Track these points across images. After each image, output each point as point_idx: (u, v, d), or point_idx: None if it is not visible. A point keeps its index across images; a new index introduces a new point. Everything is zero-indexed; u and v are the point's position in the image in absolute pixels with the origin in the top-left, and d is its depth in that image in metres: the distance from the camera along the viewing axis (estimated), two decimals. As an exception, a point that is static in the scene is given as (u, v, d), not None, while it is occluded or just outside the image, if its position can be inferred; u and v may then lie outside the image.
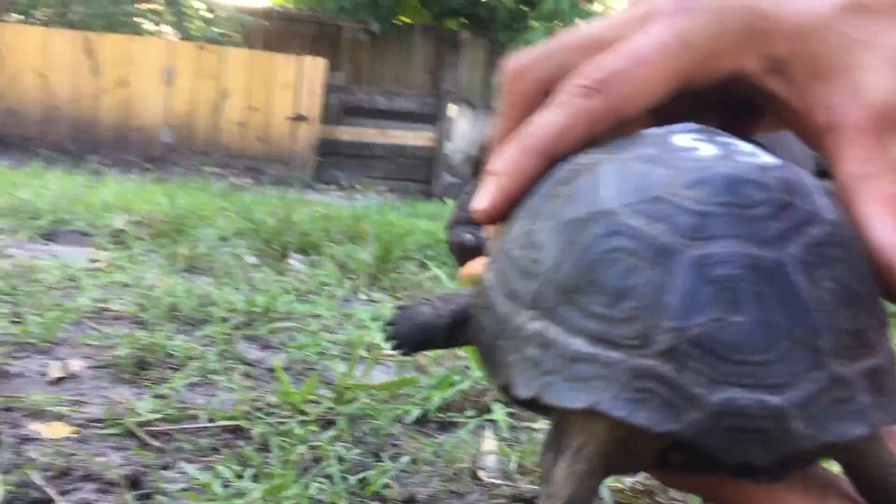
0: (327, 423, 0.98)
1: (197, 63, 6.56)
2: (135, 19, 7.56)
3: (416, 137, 7.67)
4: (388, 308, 1.73)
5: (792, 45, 0.44)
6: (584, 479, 0.39)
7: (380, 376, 1.24)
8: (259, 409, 0.98)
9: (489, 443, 1.00)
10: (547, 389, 0.38)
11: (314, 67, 6.85)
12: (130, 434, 0.90)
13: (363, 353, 1.32)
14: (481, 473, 0.93)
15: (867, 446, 0.39)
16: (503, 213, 0.45)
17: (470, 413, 1.10)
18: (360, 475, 0.84)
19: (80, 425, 0.92)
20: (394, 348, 0.53)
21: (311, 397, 1.04)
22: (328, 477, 0.83)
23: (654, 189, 0.39)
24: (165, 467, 0.84)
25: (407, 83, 10.28)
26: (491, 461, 0.96)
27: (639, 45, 0.44)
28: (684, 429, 0.35)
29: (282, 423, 0.94)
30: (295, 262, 2.25)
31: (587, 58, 0.45)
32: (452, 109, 7.79)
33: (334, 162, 7.29)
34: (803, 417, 0.35)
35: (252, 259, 2.18)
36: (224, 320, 1.41)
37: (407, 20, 11.25)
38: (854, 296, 0.37)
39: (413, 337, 0.55)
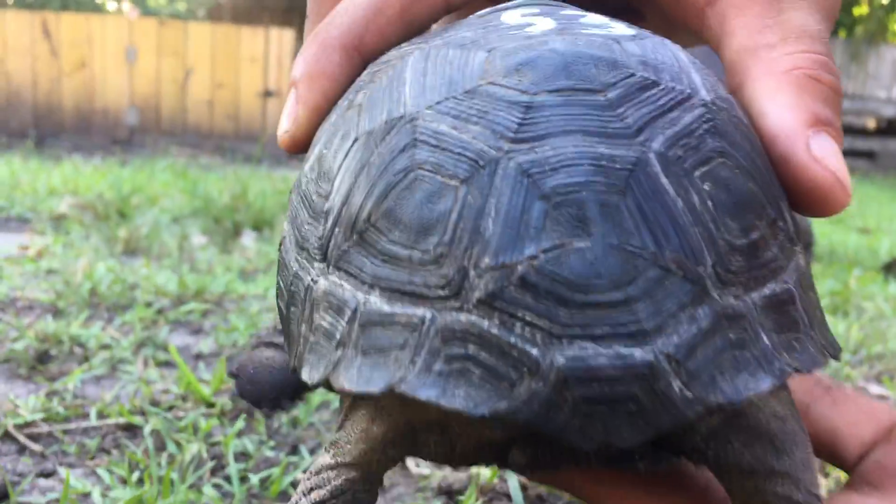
0: (239, 415, 0.88)
1: (159, 40, 6.37)
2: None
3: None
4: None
5: None
6: (377, 446, 0.30)
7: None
8: (158, 404, 0.88)
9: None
10: (336, 370, 0.28)
11: (281, 40, 6.68)
12: (7, 437, 0.80)
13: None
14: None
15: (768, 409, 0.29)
16: (310, 133, 0.35)
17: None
18: (264, 473, 0.75)
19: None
20: (244, 411, 0.43)
21: (224, 387, 0.95)
22: (226, 477, 0.74)
23: (467, 80, 0.28)
24: (42, 475, 0.74)
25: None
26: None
27: None
28: (516, 409, 0.24)
29: (181, 417, 0.84)
30: (247, 240, 2.14)
31: None
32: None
33: (308, 137, 7.14)
34: (684, 374, 0.25)
35: (200, 239, 2.07)
36: (148, 305, 1.30)
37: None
38: (745, 200, 0.27)
39: (264, 392, 0.45)
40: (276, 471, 0.74)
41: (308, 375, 0.30)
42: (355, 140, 0.30)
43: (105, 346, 1.09)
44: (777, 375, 0.26)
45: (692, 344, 0.25)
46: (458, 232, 0.26)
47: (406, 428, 0.30)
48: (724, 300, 0.26)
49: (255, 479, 0.73)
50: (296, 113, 0.35)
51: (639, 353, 0.24)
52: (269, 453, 0.80)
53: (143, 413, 0.85)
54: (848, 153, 8.18)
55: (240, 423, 0.84)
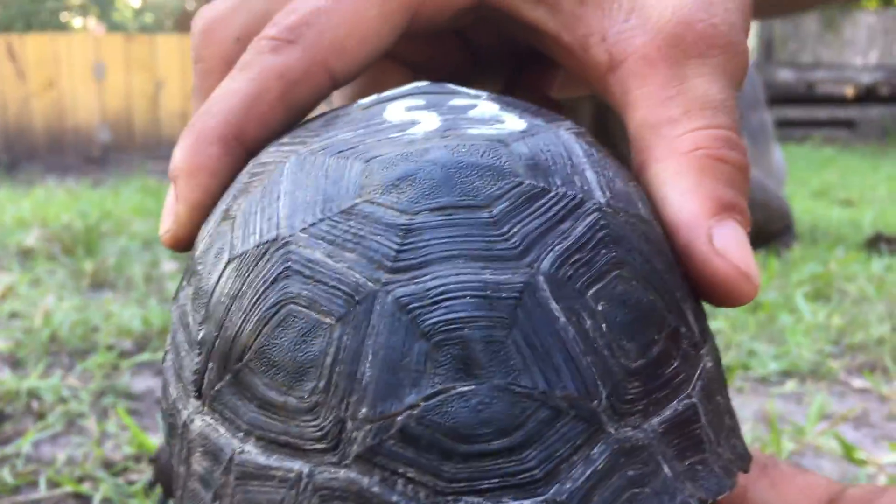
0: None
1: (127, 56, 6.31)
2: (58, 16, 7.28)
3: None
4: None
5: None
6: None
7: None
8: (112, 465, 0.84)
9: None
10: None
11: (251, 47, 6.64)
12: (-48, 517, 0.77)
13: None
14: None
15: None
16: (192, 232, 0.33)
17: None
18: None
19: None
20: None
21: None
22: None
23: (343, 197, 0.26)
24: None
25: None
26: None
27: None
28: None
29: (132, 482, 0.81)
30: (219, 261, 2.10)
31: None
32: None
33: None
34: None
35: (170, 265, 2.04)
36: (109, 348, 1.27)
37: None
38: (642, 315, 0.25)
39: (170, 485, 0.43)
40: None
41: None
42: (228, 262, 0.28)
43: (63, 400, 1.05)
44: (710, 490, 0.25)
45: (588, 488, 0.23)
46: (333, 377, 0.24)
47: None
48: (621, 433, 0.24)
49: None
50: (176, 211, 0.33)
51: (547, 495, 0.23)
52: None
53: (92, 479, 0.81)
54: (827, 123, 8.19)
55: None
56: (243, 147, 0.32)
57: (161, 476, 0.45)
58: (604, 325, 0.24)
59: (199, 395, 0.28)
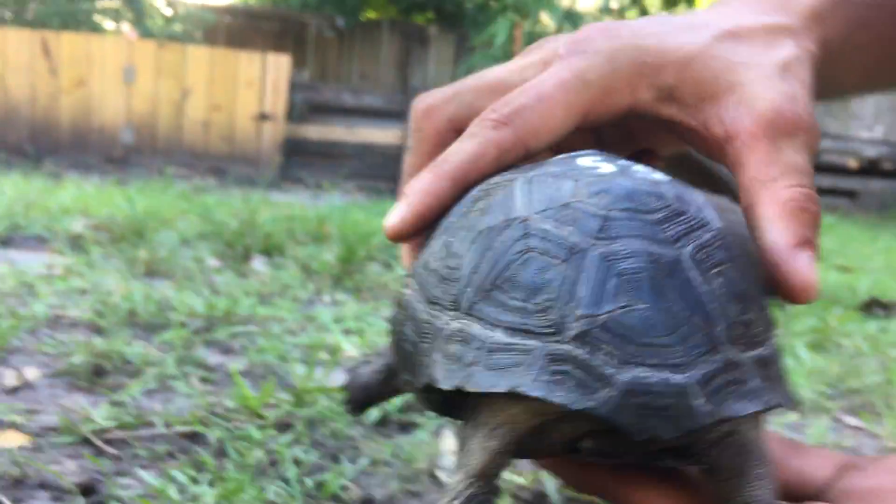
0: (285, 427, 0.98)
1: (157, 61, 6.48)
2: (93, 17, 7.44)
3: (384, 135, 7.65)
4: (350, 309, 1.73)
5: (679, 73, 0.48)
6: (496, 455, 0.41)
7: (341, 378, 1.24)
8: (216, 415, 0.97)
9: (448, 443, 1.01)
10: (469, 378, 0.40)
11: (278, 65, 6.80)
12: (86, 442, 0.89)
13: (324, 355, 1.32)
14: (439, 473, 0.94)
15: (750, 434, 0.41)
16: (412, 230, 0.47)
17: (430, 414, 1.10)
18: (317, 477, 0.85)
19: (35, 434, 0.92)
20: (348, 412, 0.55)
21: (270, 401, 1.04)
22: (285, 480, 0.83)
23: (562, 198, 0.41)
24: (121, 474, 0.83)
25: (375, 79, 10.25)
26: (449, 461, 0.97)
27: (541, 84, 0.47)
28: (598, 406, 0.37)
29: (239, 427, 0.94)
30: (258, 264, 2.23)
31: (492, 98, 0.49)
32: (418, 106, 7.78)
33: (301, 161, 7.24)
34: (704, 395, 0.37)
35: (214, 262, 2.17)
36: (183, 325, 1.40)
37: (373, 15, 11.21)
38: (742, 293, 0.40)
39: (358, 397, 0.58)
40: (328, 476, 0.84)
41: (444, 384, 0.41)
42: (479, 232, 0.43)
43: (151, 363, 1.18)
44: (763, 404, 0.38)
45: (710, 376, 0.38)
46: (560, 293, 0.39)
47: (513, 437, 0.42)
48: (730, 353, 0.39)
49: (310, 482, 0.83)
50: (403, 214, 0.47)
51: (677, 377, 0.38)
52: (317, 461, 0.90)
53: (204, 423, 0.94)
54: (830, 192, 8.37)
55: (289, 435, 0.94)
56: (463, 187, 0.47)
57: (353, 394, 0.60)
58: (721, 290, 0.39)
59: (457, 308, 0.43)
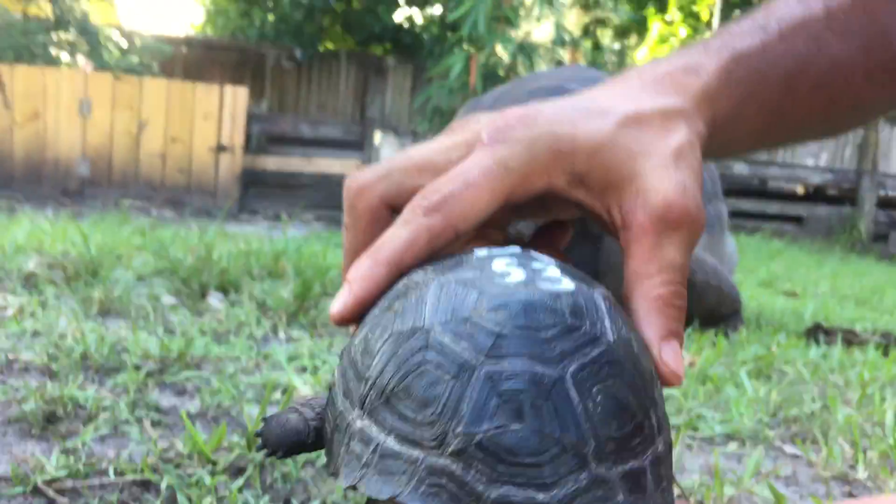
0: (237, 471, 1.00)
1: (113, 94, 6.45)
2: (48, 50, 7.40)
3: (342, 165, 7.69)
4: (305, 346, 1.75)
5: (588, 161, 0.53)
6: None
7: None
8: (168, 461, 0.99)
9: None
10: (363, 480, 0.45)
11: (235, 96, 6.82)
12: (37, 492, 0.90)
13: (277, 395, 1.34)
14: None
15: None
16: (353, 317, 0.52)
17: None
18: (268, 523, 0.87)
19: (-15, 485, 0.92)
20: (267, 456, 0.58)
21: (223, 444, 1.06)
22: (235, 527, 0.85)
23: (464, 310, 0.46)
24: (72, 525, 0.85)
25: (333, 110, 10.30)
26: (399, 500, 0.99)
27: (468, 172, 0.52)
28: None
29: (190, 473, 0.96)
30: (214, 300, 2.24)
31: (421, 177, 0.54)
32: (378, 136, 7.84)
33: (260, 192, 7.25)
34: None
35: (170, 299, 2.17)
36: (137, 368, 1.41)
37: (331, 46, 11.27)
38: (622, 408, 0.44)
39: (283, 443, 0.61)
40: (278, 521, 0.87)
41: (344, 481, 0.46)
42: (390, 335, 0.47)
43: (104, 408, 1.19)
44: None
45: (574, 494, 0.42)
46: (446, 408, 0.43)
47: None
48: (598, 470, 0.43)
49: (260, 528, 0.85)
50: (346, 300, 0.52)
51: (540, 496, 0.42)
52: (268, 505, 0.92)
53: (155, 470, 0.96)
54: (778, 218, 8.59)
55: (240, 480, 0.96)
56: (399, 271, 0.52)
57: (269, 435, 0.62)
58: (599, 409, 0.43)
59: (362, 407, 0.47)
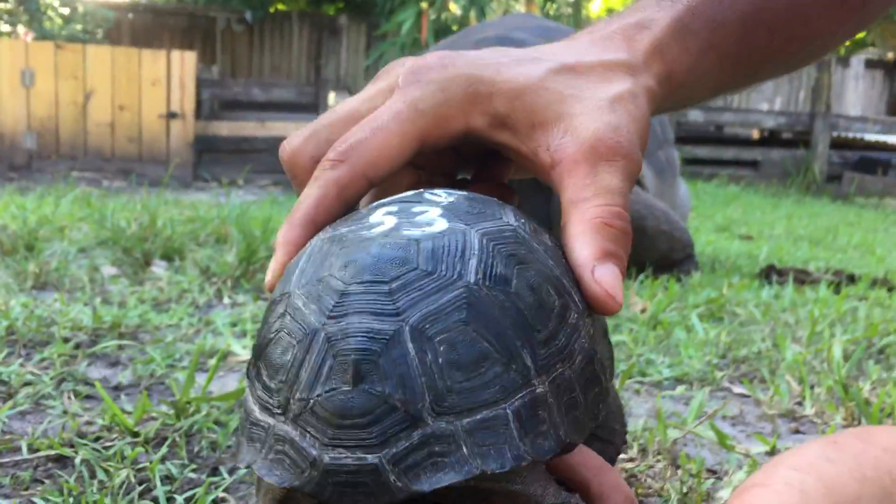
0: (161, 442, 0.96)
1: (56, 63, 6.25)
2: (-14, 20, 7.14)
3: (297, 128, 7.53)
4: (249, 310, 1.70)
5: (511, 103, 0.52)
6: None
7: (233, 385, 1.23)
8: (87, 435, 0.95)
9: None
10: (238, 448, 0.47)
11: (183, 62, 6.64)
12: (-56, 474, 0.86)
13: (213, 362, 1.30)
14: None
15: (508, 489, 0.44)
16: None
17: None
18: (189, 493, 0.83)
19: None
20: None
21: (152, 414, 1.02)
22: (154, 499, 0.82)
23: (322, 271, 0.45)
24: (-19, 506, 0.80)
25: (287, 72, 10.11)
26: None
27: (377, 118, 0.52)
28: (304, 485, 0.42)
29: (109, 446, 0.92)
30: (158, 269, 2.18)
31: (346, 130, 0.53)
32: (332, 97, 7.71)
33: (214, 159, 7.11)
34: (395, 472, 0.41)
35: (111, 270, 2.11)
36: (66, 340, 1.36)
37: (283, 7, 11.03)
38: (471, 357, 0.42)
39: None
40: (199, 490, 0.83)
41: (232, 459, 0.50)
42: (271, 302, 0.48)
43: (27, 383, 1.14)
44: (463, 475, 0.40)
45: (406, 453, 0.41)
46: (289, 374, 0.43)
47: (274, 500, 0.47)
48: (436, 424, 0.41)
49: (180, 499, 0.82)
50: (274, 268, 0.52)
51: (370, 458, 0.41)
52: (192, 475, 0.88)
53: (71, 445, 0.92)
54: (733, 163, 8.65)
55: (163, 450, 0.92)
56: (317, 228, 0.51)
57: None
58: (440, 360, 0.41)
59: (248, 377, 0.48)
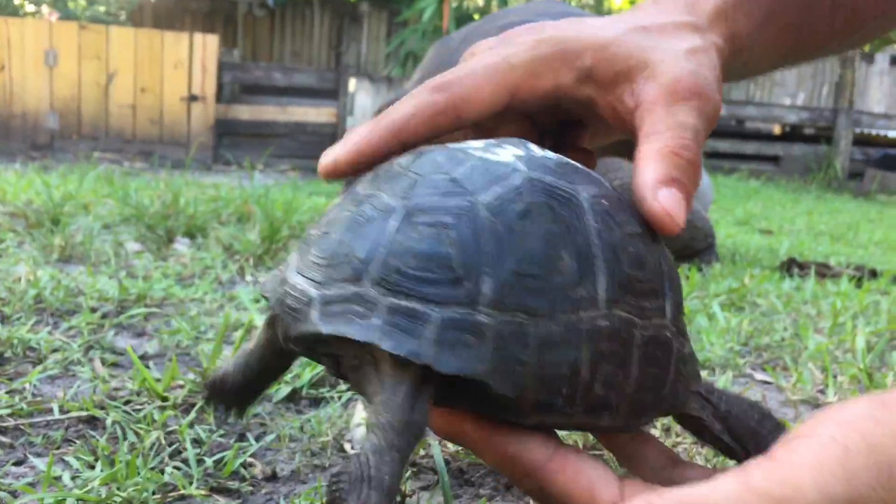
0: (189, 408, 0.97)
1: (80, 44, 6.28)
2: (13, 1, 7.18)
3: (317, 114, 7.57)
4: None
5: (596, 55, 0.55)
6: (253, 349, 0.56)
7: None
8: (116, 398, 0.96)
9: (358, 415, 1.01)
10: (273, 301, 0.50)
11: (205, 44, 6.66)
12: (-22, 432, 0.87)
13: (239, 334, 1.31)
14: (347, 446, 0.94)
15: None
16: (344, 168, 0.53)
17: (342, 388, 1.10)
18: (219, 456, 0.84)
19: (-75, 427, 0.89)
20: (219, 421, 0.59)
21: (178, 382, 1.03)
22: (184, 460, 0.83)
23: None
24: (14, 463, 0.82)
25: (307, 58, 10.12)
26: (359, 433, 0.97)
27: (472, 66, 0.55)
28: (273, 302, 0.49)
29: (138, 410, 0.93)
30: (180, 246, 2.20)
31: None
32: (352, 83, 7.71)
33: (234, 142, 7.13)
34: (320, 309, 0.45)
35: (134, 246, 2.13)
36: (93, 310, 1.37)
37: (304, -6, 11.02)
38: (430, 253, 0.45)
39: (226, 403, 0.60)
40: (228, 454, 0.84)
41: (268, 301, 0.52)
42: (334, 206, 0.52)
43: (56, 350, 1.16)
44: (363, 336, 0.43)
45: (333, 298, 0.45)
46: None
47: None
48: (368, 290, 0.45)
49: (209, 461, 0.83)
50: (338, 152, 0.53)
51: (312, 292, 0.46)
52: (220, 440, 0.89)
53: (102, 407, 0.93)
54: (754, 157, 8.60)
55: (192, 415, 0.93)
56: (398, 141, 0.53)
57: (215, 394, 0.60)
58: (409, 243, 0.45)
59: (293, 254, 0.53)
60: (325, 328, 0.44)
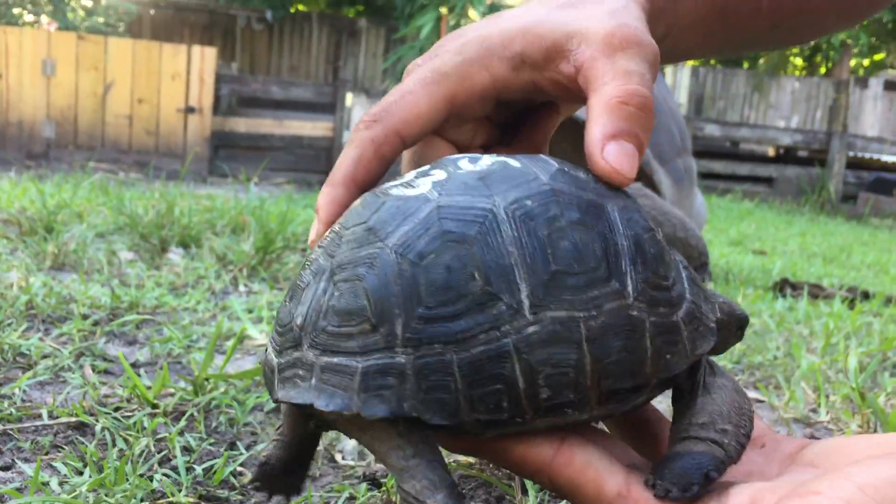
0: (180, 416, 0.96)
1: (78, 54, 6.29)
2: (11, 10, 7.19)
3: (314, 128, 7.57)
4: (265, 298, 1.71)
5: (523, 39, 0.55)
6: (283, 423, 0.56)
7: (249, 367, 1.23)
8: (107, 405, 0.95)
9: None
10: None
11: (203, 57, 6.68)
12: (-35, 437, 0.86)
13: (231, 343, 1.30)
14: (338, 456, 0.94)
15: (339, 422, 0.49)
16: None
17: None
18: (208, 464, 0.84)
19: (-87, 431, 0.88)
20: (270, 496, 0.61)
21: (169, 390, 1.03)
22: (173, 468, 0.82)
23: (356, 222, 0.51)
24: (3, 468, 0.81)
25: (305, 72, 10.15)
26: (349, 443, 0.96)
27: (405, 84, 0.55)
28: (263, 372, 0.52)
29: (128, 416, 0.92)
30: (174, 256, 2.19)
31: None
32: (349, 98, 7.73)
33: (231, 154, 7.13)
34: (279, 377, 0.48)
35: (128, 255, 2.12)
36: (84, 317, 1.36)
37: (303, 8, 11.08)
38: (351, 308, 0.46)
39: (279, 483, 0.59)
40: (218, 462, 0.83)
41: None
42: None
43: (46, 356, 1.15)
44: (301, 400, 0.46)
45: (285, 365, 0.48)
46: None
47: None
48: (306, 353, 0.47)
49: (199, 469, 0.82)
50: (317, 228, 0.54)
51: (275, 360, 0.49)
52: (210, 448, 0.89)
53: (92, 414, 0.92)
54: (748, 179, 8.63)
55: (182, 423, 0.92)
56: (357, 188, 0.54)
57: (265, 479, 0.59)
58: (333, 301, 0.46)
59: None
60: (280, 394, 0.47)
